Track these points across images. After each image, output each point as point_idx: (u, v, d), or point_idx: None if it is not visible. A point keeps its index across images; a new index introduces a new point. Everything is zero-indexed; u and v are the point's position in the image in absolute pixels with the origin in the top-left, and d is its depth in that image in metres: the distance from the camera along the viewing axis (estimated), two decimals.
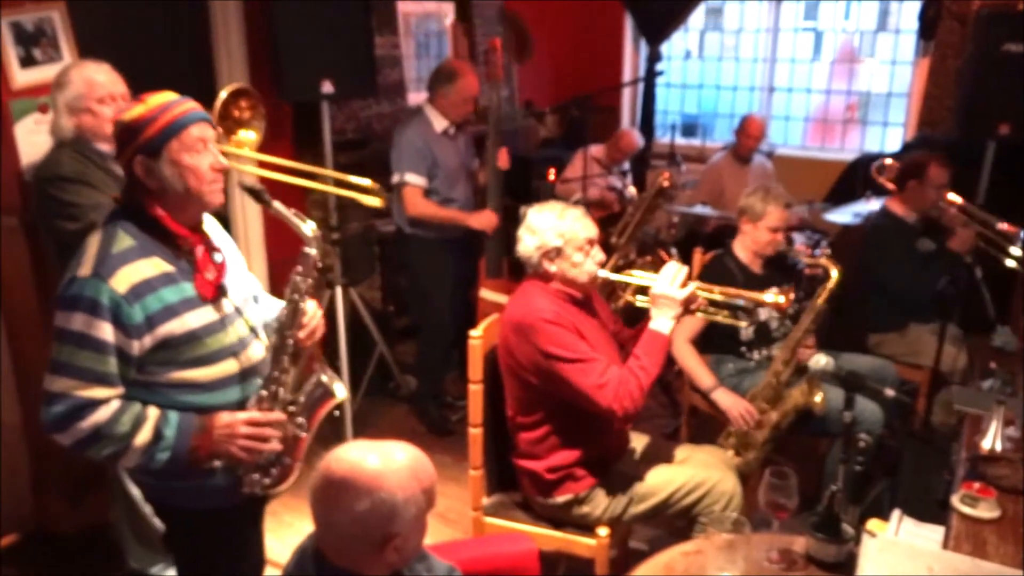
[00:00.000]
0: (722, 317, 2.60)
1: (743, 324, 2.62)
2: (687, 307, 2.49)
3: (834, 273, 3.03)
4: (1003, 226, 3.65)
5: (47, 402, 1.75)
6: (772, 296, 2.54)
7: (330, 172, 2.88)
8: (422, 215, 3.91)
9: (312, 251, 1.94)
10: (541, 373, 2.45)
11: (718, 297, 2.58)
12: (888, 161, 4.07)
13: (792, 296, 2.59)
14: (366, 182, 2.80)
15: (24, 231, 3.03)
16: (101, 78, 2.57)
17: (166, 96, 1.84)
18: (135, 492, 2.76)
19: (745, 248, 3.36)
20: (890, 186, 3.89)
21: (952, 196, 3.71)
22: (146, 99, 1.83)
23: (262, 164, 2.75)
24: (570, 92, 6.04)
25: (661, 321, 2.48)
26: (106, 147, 2.54)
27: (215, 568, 2.07)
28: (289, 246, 2.14)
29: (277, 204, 1.93)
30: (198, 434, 1.84)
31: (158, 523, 2.74)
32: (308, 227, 1.93)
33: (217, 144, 1.90)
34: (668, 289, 2.47)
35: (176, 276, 1.83)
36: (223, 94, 2.69)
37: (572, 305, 2.56)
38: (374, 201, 2.79)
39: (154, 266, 1.80)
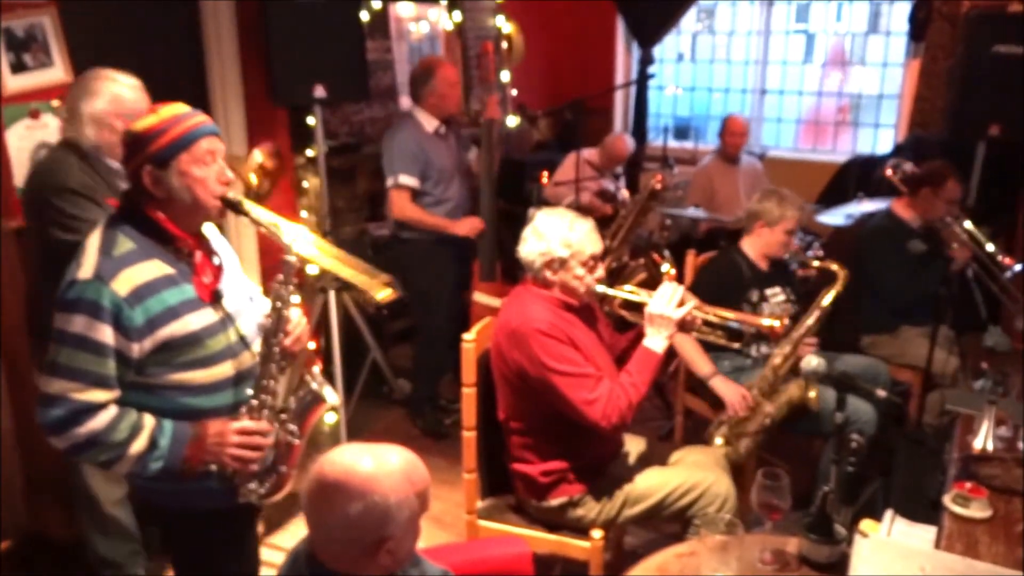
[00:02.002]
0: (715, 338, 2.62)
1: (736, 346, 2.63)
2: (682, 327, 2.51)
3: (840, 274, 3.09)
4: (1005, 260, 3.70)
5: (44, 404, 1.74)
6: (768, 320, 2.56)
7: (351, 259, 2.73)
8: (408, 219, 3.92)
9: (293, 258, 1.94)
10: (533, 381, 2.46)
11: (713, 318, 2.58)
12: (908, 165, 4.09)
13: (787, 321, 2.61)
14: (383, 277, 2.71)
15: (17, 237, 3.03)
16: (130, 95, 2.52)
17: (178, 108, 1.85)
18: (98, 493, 2.77)
19: (754, 248, 3.40)
20: (901, 188, 3.90)
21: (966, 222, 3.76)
22: (158, 110, 1.84)
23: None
24: (563, 95, 6.05)
25: (655, 340, 2.49)
26: (116, 163, 2.50)
27: (211, 570, 2.06)
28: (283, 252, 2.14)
29: (255, 214, 1.94)
30: (192, 443, 1.84)
31: (125, 521, 2.73)
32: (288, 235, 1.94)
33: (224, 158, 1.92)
34: (664, 308, 2.47)
35: (177, 278, 1.84)
36: (259, 157, 2.64)
37: (568, 312, 2.56)
38: (385, 294, 2.77)
39: (155, 268, 1.81)
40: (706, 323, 2.59)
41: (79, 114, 2.52)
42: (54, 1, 3.13)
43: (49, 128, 3.12)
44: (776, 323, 2.55)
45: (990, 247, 3.73)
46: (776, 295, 3.38)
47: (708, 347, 3.32)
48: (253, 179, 2.61)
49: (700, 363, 3.21)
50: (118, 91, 2.52)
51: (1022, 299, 3.78)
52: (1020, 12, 4.74)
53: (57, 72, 3.13)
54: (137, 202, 1.84)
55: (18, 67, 3.05)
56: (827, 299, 3.13)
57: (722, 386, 3.13)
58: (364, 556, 1.54)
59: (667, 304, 2.47)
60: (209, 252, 1.95)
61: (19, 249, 3.04)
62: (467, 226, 3.94)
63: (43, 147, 3.03)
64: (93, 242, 1.80)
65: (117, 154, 2.49)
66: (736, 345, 2.61)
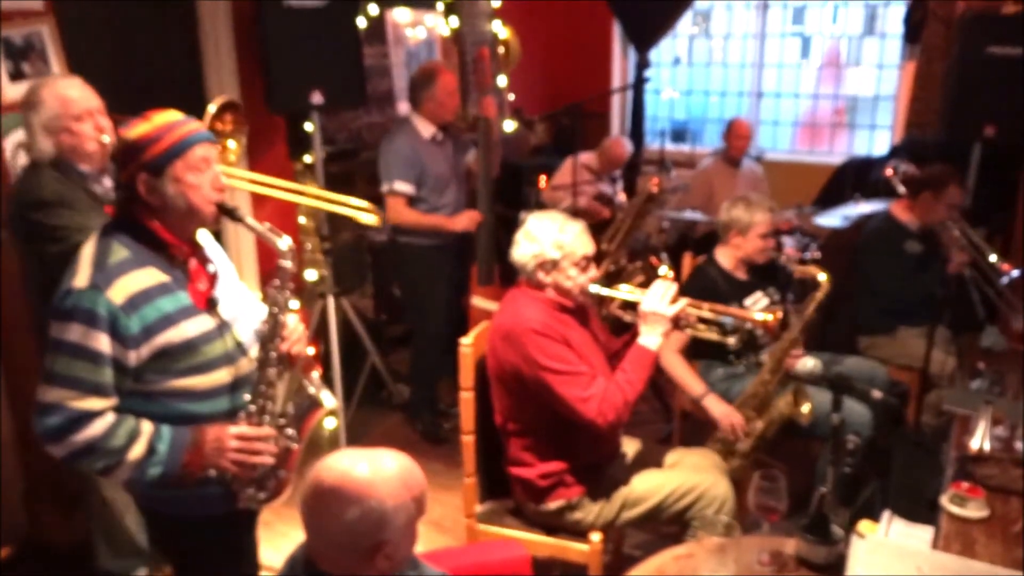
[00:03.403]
0: (711, 334, 2.62)
1: (731, 341, 2.64)
2: (676, 324, 2.52)
3: (822, 280, 3.05)
4: (1003, 266, 3.69)
5: (41, 412, 1.75)
6: (761, 315, 2.57)
7: (328, 194, 2.87)
8: (405, 224, 3.92)
9: (288, 264, 1.95)
10: (528, 382, 2.47)
11: (707, 314, 2.59)
12: (908, 167, 4.09)
13: (780, 315, 2.62)
14: (362, 203, 2.81)
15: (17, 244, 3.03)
16: (75, 94, 2.50)
17: (171, 115, 1.86)
18: (119, 509, 2.77)
19: (729, 257, 3.38)
20: (901, 189, 3.90)
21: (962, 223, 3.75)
22: (151, 117, 1.84)
23: (259, 183, 2.74)
24: (559, 99, 6.06)
25: (649, 337, 2.50)
26: (87, 167, 2.51)
27: (210, 575, 2.07)
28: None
29: (251, 220, 1.95)
30: (190, 449, 1.85)
31: (138, 535, 2.73)
32: (283, 241, 1.94)
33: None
34: (658, 306, 2.48)
35: (172, 285, 1.85)
36: (212, 108, 2.68)
37: (563, 314, 2.57)
38: (370, 219, 2.80)
39: (150, 276, 1.81)
40: (700, 320, 2.60)
41: (31, 129, 2.50)
42: (52, 10, 3.14)
43: None
44: (769, 317, 2.56)
45: (993, 258, 3.72)
46: (757, 303, 3.36)
47: (700, 355, 3.33)
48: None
49: (691, 384, 3.19)
50: (60, 92, 2.49)
51: (1020, 304, 3.78)
52: (1014, 13, 4.75)
53: None
54: (132, 210, 1.85)
55: (16, 75, 3.06)
56: (810, 309, 3.08)
57: (714, 406, 3.11)
58: (361, 561, 1.54)
59: (660, 301, 2.49)
60: (204, 259, 1.96)
61: (21, 257, 3.04)
62: (465, 220, 3.94)
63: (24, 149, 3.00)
64: (88, 251, 1.81)
65: (83, 155, 2.49)
66: (731, 340, 2.61)
